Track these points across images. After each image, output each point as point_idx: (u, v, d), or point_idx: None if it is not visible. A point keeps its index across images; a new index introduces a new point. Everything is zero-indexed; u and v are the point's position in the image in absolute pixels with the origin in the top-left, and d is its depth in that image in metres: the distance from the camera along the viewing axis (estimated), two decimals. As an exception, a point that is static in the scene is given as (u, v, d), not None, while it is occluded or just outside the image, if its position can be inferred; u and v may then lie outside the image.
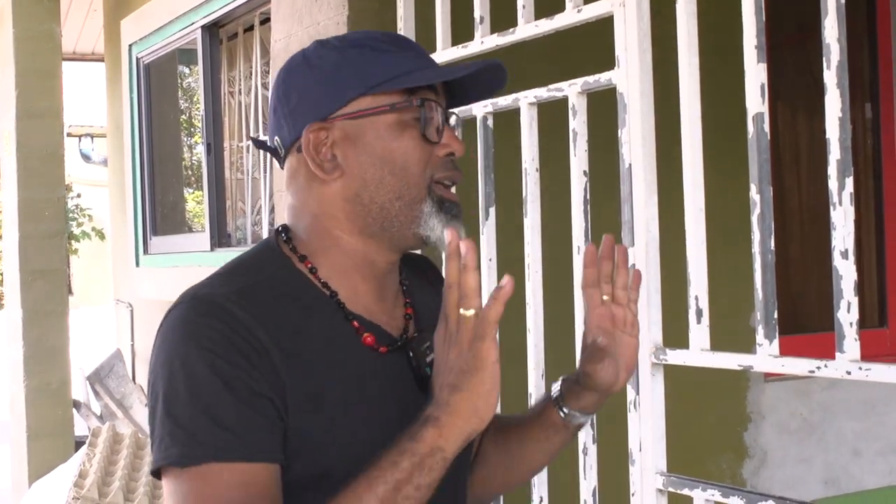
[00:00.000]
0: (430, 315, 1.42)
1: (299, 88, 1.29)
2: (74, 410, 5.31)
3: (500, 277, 1.90)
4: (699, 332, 1.51)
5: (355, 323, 1.28)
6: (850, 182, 1.30)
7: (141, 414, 4.90)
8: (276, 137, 1.31)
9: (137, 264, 5.14)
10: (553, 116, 2.00)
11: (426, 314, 1.39)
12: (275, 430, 1.16)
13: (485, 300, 1.13)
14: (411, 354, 1.31)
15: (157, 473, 1.17)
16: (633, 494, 1.57)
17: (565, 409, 1.39)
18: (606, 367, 1.33)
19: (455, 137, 1.29)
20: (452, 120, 1.34)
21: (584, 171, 1.70)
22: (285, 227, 1.33)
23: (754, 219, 1.41)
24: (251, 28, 4.28)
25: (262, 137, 4.10)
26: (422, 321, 1.37)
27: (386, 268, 1.32)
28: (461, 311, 1.14)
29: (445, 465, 1.12)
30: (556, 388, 1.41)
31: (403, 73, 1.25)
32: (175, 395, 1.14)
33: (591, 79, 1.66)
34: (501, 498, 1.92)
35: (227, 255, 4.22)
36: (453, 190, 1.30)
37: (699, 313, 1.50)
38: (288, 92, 1.30)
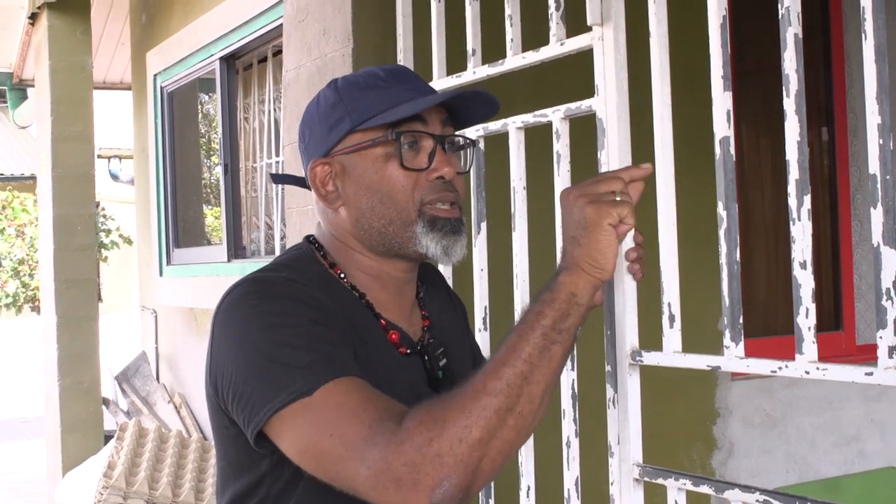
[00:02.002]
0: (444, 322, 1.42)
1: (310, 126, 1.32)
2: (104, 407, 5.29)
3: (491, 286, 1.89)
4: (672, 336, 1.50)
5: (383, 321, 1.28)
6: (807, 199, 1.30)
7: (164, 410, 4.88)
8: (305, 169, 1.33)
9: (161, 274, 5.13)
10: (539, 140, 1.99)
11: (440, 322, 1.40)
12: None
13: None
14: (427, 358, 1.31)
15: (258, 436, 1.13)
16: (612, 484, 1.56)
17: None
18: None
19: (445, 161, 1.27)
20: (459, 143, 1.33)
21: (567, 190, 1.69)
22: (314, 238, 1.34)
23: (721, 233, 1.40)
24: (265, 59, 4.28)
25: (273, 171, 4.11)
26: (436, 329, 1.37)
27: (403, 278, 1.32)
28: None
29: (580, 311, 1.13)
30: None
31: (388, 108, 1.25)
32: (274, 347, 1.12)
33: (572, 105, 1.66)
34: (493, 490, 1.91)
35: (242, 266, 4.22)
36: (451, 208, 1.27)
37: (672, 318, 1.50)
38: (303, 130, 1.33)
